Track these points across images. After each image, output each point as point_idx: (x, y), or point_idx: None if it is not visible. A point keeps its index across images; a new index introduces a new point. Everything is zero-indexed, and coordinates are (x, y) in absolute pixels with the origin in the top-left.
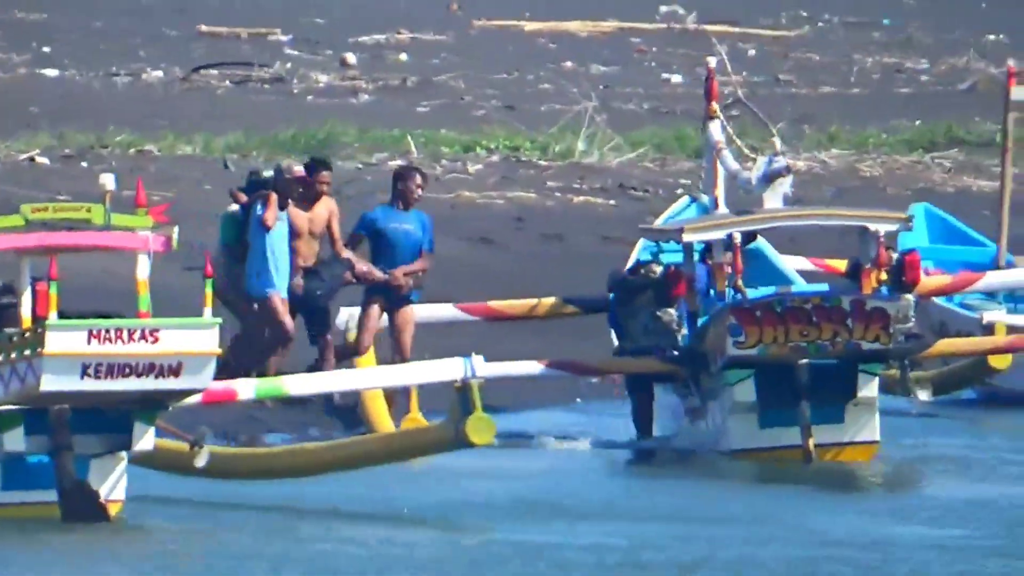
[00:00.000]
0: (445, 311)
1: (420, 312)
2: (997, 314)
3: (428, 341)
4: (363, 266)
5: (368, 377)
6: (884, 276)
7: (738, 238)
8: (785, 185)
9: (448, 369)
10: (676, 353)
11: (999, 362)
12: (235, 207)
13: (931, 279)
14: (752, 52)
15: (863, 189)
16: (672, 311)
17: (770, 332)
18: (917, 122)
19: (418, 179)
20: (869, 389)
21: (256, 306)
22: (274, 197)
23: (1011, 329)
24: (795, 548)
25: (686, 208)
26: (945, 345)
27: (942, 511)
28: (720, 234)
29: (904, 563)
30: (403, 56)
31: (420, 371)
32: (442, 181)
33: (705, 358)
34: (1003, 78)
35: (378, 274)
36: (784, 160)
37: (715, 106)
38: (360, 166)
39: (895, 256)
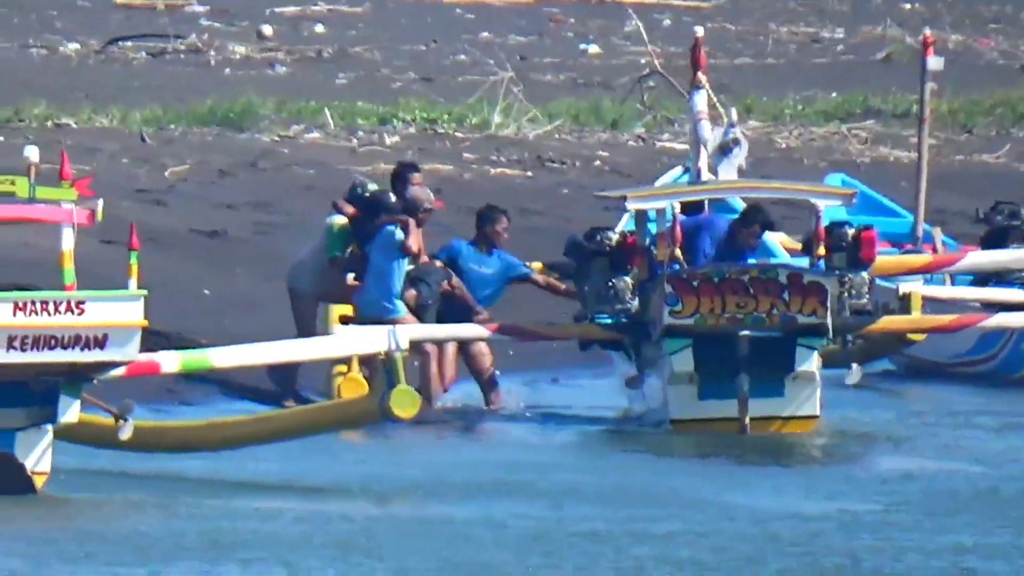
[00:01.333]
0: None
1: None
2: (914, 285)
3: None
4: (455, 280)
5: (293, 349)
6: (823, 252)
7: (677, 208)
8: (740, 157)
9: (372, 340)
10: (624, 321)
11: (916, 335)
12: (340, 218)
13: (905, 258)
14: (667, 23)
15: (779, 160)
16: (627, 279)
17: (707, 302)
18: (834, 93)
19: (504, 222)
20: (809, 363)
21: None
22: (413, 224)
23: (927, 300)
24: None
25: (679, 178)
26: (888, 322)
27: (860, 484)
28: (662, 203)
29: (815, 537)
30: (320, 28)
31: (344, 342)
32: (358, 153)
33: (646, 327)
34: (919, 47)
35: (469, 296)
36: (737, 131)
37: (700, 76)
38: (277, 138)
39: (851, 232)
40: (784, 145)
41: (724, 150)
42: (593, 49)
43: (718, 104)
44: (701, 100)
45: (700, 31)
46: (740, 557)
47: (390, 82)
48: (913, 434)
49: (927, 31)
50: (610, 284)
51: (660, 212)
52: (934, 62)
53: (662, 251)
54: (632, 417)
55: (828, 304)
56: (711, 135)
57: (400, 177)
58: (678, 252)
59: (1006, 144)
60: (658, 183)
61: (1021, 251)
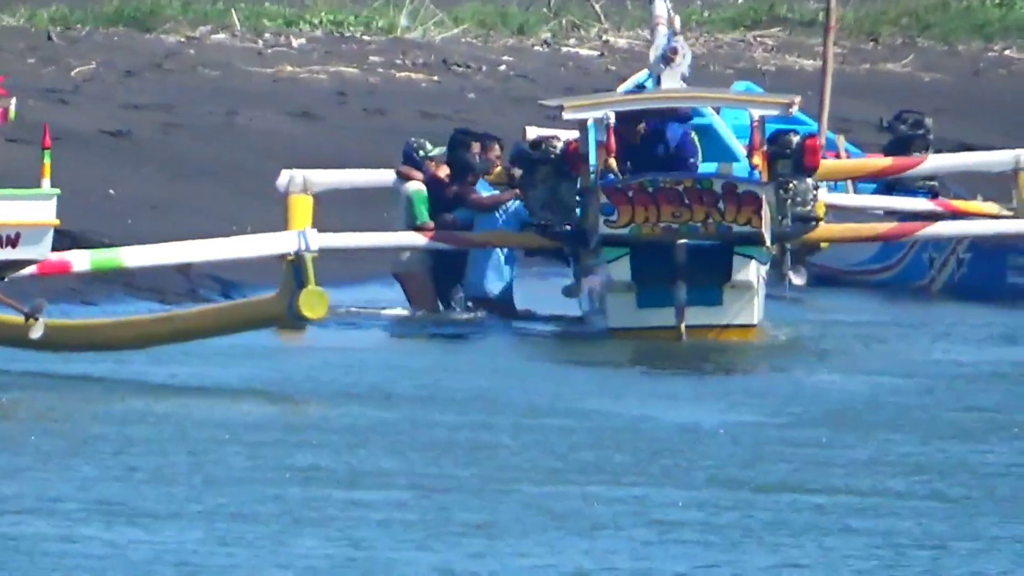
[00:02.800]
0: (384, 176)
1: (358, 177)
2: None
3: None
4: None
5: (202, 250)
6: (758, 161)
7: (612, 117)
8: (683, 65)
9: (281, 242)
10: (563, 229)
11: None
12: (414, 184)
13: (855, 161)
14: None
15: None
16: (573, 186)
17: (642, 212)
18: (740, 0)
19: (497, 149)
20: (746, 272)
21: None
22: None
23: (831, 208)
24: (565, 429)
25: (645, 80)
26: (826, 230)
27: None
28: (598, 113)
29: (690, 444)
30: None
31: (254, 244)
32: (265, 55)
33: (585, 235)
34: None
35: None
36: (679, 40)
37: None
38: (183, 39)
39: (795, 140)
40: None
41: (666, 59)
42: None
43: (671, 12)
44: (660, 6)
45: None
46: (588, 459)
47: None
48: (816, 345)
49: None
50: (554, 191)
51: (598, 121)
52: None
53: (599, 161)
54: (577, 322)
55: (763, 213)
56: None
57: (460, 144)
58: (612, 162)
59: (911, 53)
60: (623, 86)
61: (983, 155)
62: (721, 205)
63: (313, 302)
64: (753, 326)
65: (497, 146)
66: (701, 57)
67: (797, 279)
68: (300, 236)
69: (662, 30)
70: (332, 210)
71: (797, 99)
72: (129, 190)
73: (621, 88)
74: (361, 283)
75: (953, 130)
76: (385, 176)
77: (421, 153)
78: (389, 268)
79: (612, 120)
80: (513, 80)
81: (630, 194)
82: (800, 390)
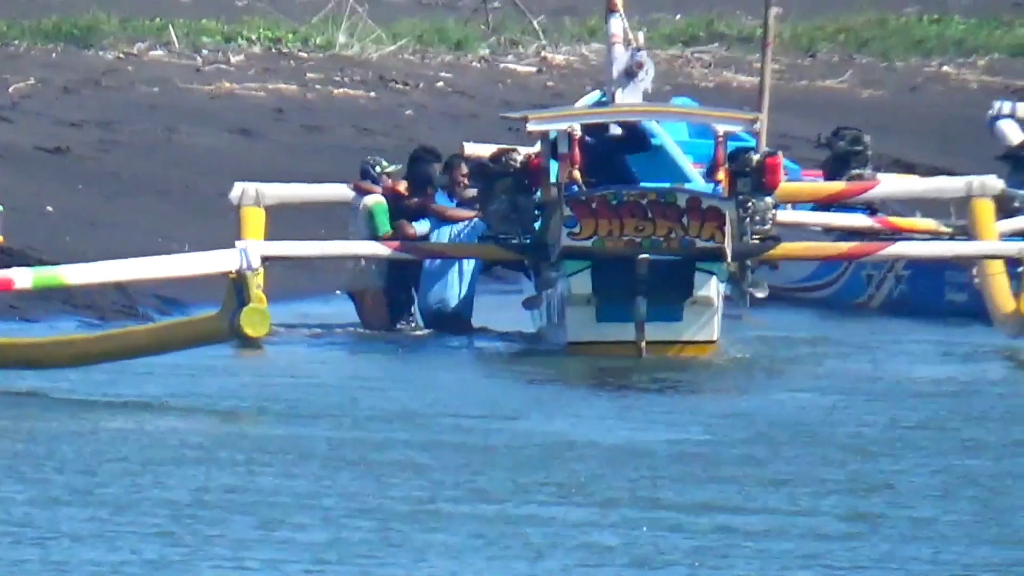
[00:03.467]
0: (338, 191)
1: (311, 192)
2: None
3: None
4: None
5: (143, 267)
6: (722, 177)
7: (577, 130)
8: (646, 80)
9: (224, 260)
10: (527, 241)
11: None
12: (373, 197)
13: (812, 185)
14: None
15: None
16: (532, 199)
17: (605, 225)
18: (678, 16)
19: (464, 168)
20: (707, 288)
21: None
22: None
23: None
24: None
25: (597, 101)
26: (786, 249)
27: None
28: (562, 125)
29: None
30: None
31: (197, 261)
32: (202, 72)
33: (546, 248)
34: None
35: None
36: (642, 55)
37: (616, 0)
38: (121, 56)
39: (755, 158)
40: None
41: (629, 74)
42: None
43: (628, 29)
44: (616, 24)
45: None
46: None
47: (235, 0)
48: (753, 362)
49: None
50: (514, 203)
51: (561, 134)
52: None
53: (562, 173)
54: (530, 338)
55: (727, 229)
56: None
57: (421, 158)
58: (577, 174)
59: (848, 70)
60: (578, 105)
61: (936, 180)
62: (685, 220)
63: (255, 320)
64: (713, 342)
65: (463, 166)
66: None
67: (759, 293)
68: (242, 253)
69: (619, 48)
70: (283, 227)
71: (761, 115)
72: (67, 207)
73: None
74: (316, 298)
75: (891, 146)
76: (338, 190)
77: (378, 169)
78: (342, 285)
79: (577, 132)
80: (451, 96)
81: (594, 206)
82: (739, 408)
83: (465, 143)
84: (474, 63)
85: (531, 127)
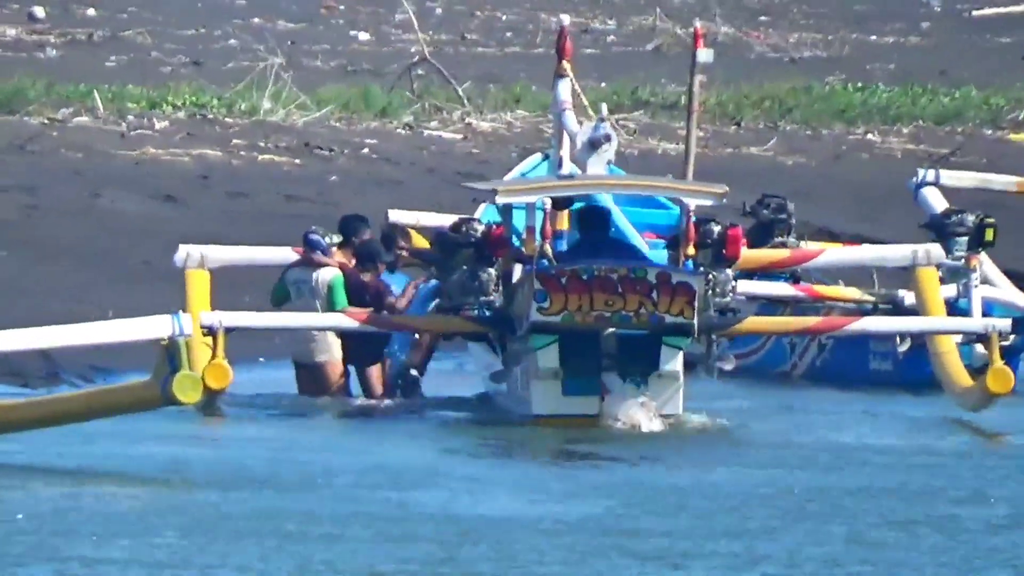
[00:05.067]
0: (282, 254)
1: (255, 255)
2: None
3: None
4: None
5: (75, 334)
6: (692, 251)
7: (548, 203)
8: (609, 152)
9: (156, 326)
10: (488, 314)
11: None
12: (329, 271)
13: (761, 252)
14: (439, 10)
15: (547, 150)
16: (492, 270)
17: (575, 300)
18: (603, 83)
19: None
20: (673, 363)
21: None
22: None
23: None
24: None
25: (538, 165)
26: (753, 323)
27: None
28: (532, 198)
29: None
30: (91, 10)
31: (128, 328)
32: (127, 138)
33: (512, 321)
34: (689, 40)
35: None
36: (607, 127)
37: (565, 65)
38: (46, 121)
39: (716, 230)
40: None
41: (594, 144)
42: (363, 36)
43: (580, 95)
44: (565, 89)
45: (566, 20)
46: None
47: (160, 65)
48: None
49: (697, 23)
50: (475, 274)
51: (530, 206)
52: (704, 54)
53: (530, 246)
54: (495, 409)
55: (696, 304)
56: (578, 128)
57: (353, 228)
58: (548, 248)
59: (773, 137)
60: (516, 170)
61: (880, 249)
62: (655, 295)
63: (186, 386)
64: (677, 415)
65: (401, 239)
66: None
67: (727, 365)
68: (174, 320)
69: (570, 115)
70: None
71: (726, 189)
72: None
73: (513, 173)
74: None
75: (815, 214)
76: (282, 253)
77: (328, 241)
78: (296, 355)
79: (548, 206)
80: (376, 163)
81: (564, 281)
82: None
83: (390, 210)
84: (399, 130)
85: (500, 199)
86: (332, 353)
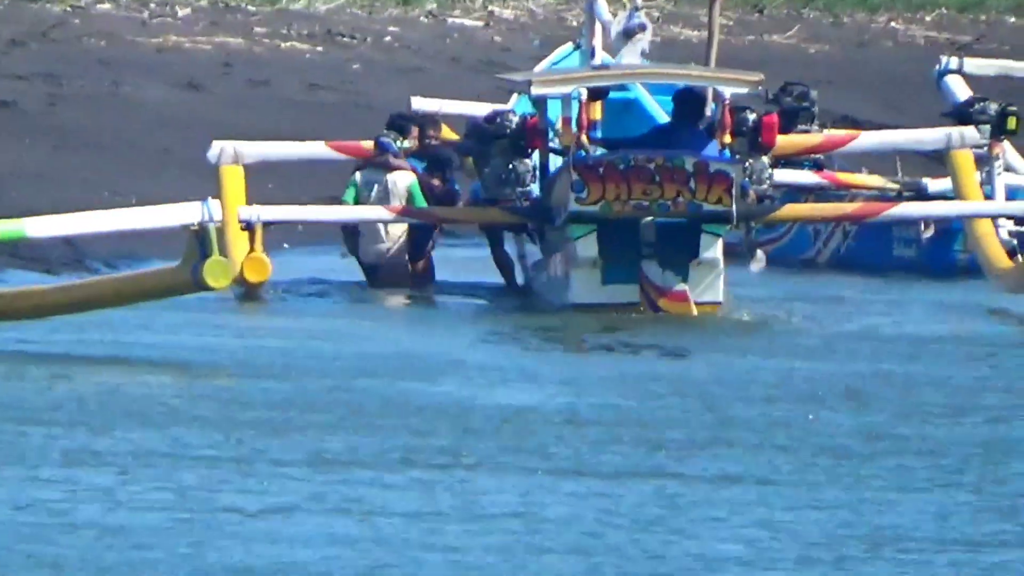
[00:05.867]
0: (316, 149)
1: (289, 150)
2: None
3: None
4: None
5: (105, 220)
6: (728, 139)
7: (584, 94)
8: (644, 42)
9: (186, 213)
10: (526, 204)
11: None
12: (407, 175)
13: (795, 138)
14: None
15: (568, 39)
16: (528, 161)
17: (612, 189)
18: None
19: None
20: (713, 250)
21: None
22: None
23: None
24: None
25: (569, 55)
26: (791, 209)
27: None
28: (567, 88)
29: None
30: None
31: (158, 215)
32: (149, 26)
33: (550, 212)
34: None
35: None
36: (642, 16)
37: None
38: (68, 8)
39: (751, 118)
40: (574, 23)
41: (628, 34)
42: None
43: None
44: None
45: None
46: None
47: None
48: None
49: None
50: (511, 166)
51: (565, 97)
52: None
53: (567, 137)
54: (534, 298)
55: (733, 192)
56: (610, 17)
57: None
58: (584, 138)
59: (796, 25)
60: (546, 61)
61: (916, 132)
62: (692, 184)
63: (217, 272)
64: (719, 303)
65: (433, 127)
66: (580, 27)
67: (756, 266)
68: (204, 206)
69: (603, 3)
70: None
71: (762, 77)
72: (13, 161)
73: (544, 64)
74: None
75: (838, 103)
76: (316, 148)
77: (398, 145)
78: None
79: (584, 96)
80: (398, 51)
81: (601, 171)
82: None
83: (413, 98)
84: (421, 18)
85: (535, 90)
86: (399, 249)
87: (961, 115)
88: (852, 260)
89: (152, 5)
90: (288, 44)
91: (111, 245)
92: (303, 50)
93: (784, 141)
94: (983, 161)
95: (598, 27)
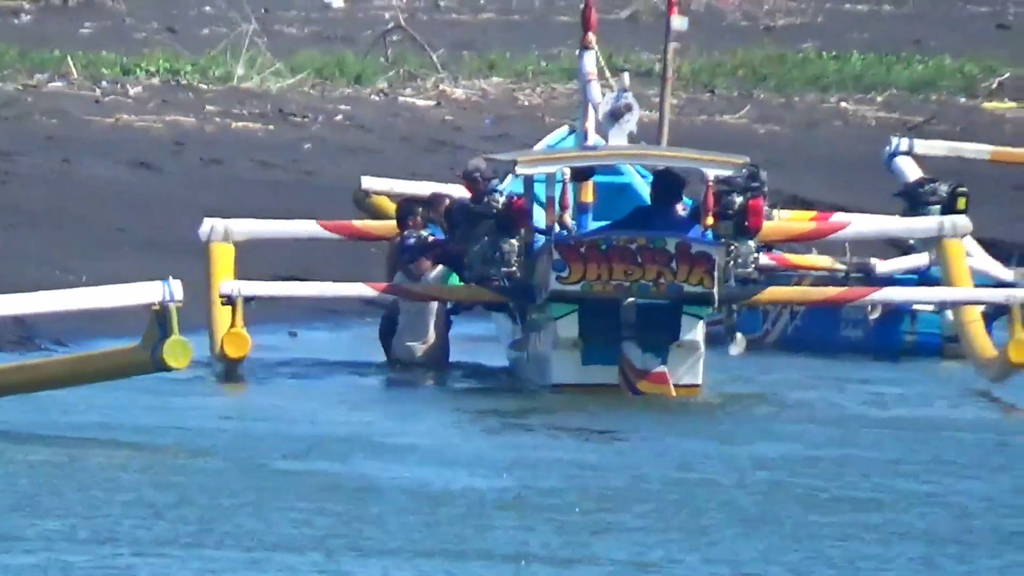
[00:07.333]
0: (307, 227)
1: (280, 228)
2: None
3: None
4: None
5: (62, 299)
6: (711, 221)
7: (567, 173)
8: (631, 123)
9: (146, 292)
10: (507, 284)
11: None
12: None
13: (788, 224)
14: None
15: (521, 118)
16: (514, 241)
17: (594, 269)
18: (576, 51)
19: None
20: (693, 332)
21: None
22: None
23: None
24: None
25: (564, 138)
26: (773, 293)
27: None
28: (552, 168)
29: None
30: None
31: (117, 294)
32: (102, 104)
33: (532, 290)
34: (664, 7)
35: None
36: (630, 97)
37: (590, 36)
38: (20, 87)
39: (738, 201)
40: (526, 103)
41: (615, 115)
42: (337, 3)
43: (604, 67)
44: (590, 61)
45: None
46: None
47: (135, 32)
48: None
49: None
50: (496, 245)
51: (550, 177)
52: (678, 21)
53: (550, 216)
54: (516, 378)
55: (715, 274)
56: (601, 99)
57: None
58: (567, 218)
59: (747, 105)
60: (542, 143)
61: (907, 221)
62: (674, 265)
63: (177, 352)
64: (697, 385)
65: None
66: (537, 107)
67: (735, 349)
68: (165, 285)
69: (595, 86)
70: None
71: (747, 159)
72: None
73: (541, 144)
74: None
75: (788, 182)
76: (307, 227)
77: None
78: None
79: (567, 176)
80: (349, 130)
81: (583, 251)
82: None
83: (363, 177)
84: (373, 96)
85: (520, 170)
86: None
87: (912, 196)
88: (800, 341)
89: (104, 83)
90: (240, 123)
91: (61, 323)
92: (255, 129)
93: (777, 227)
94: (933, 242)
95: (591, 109)
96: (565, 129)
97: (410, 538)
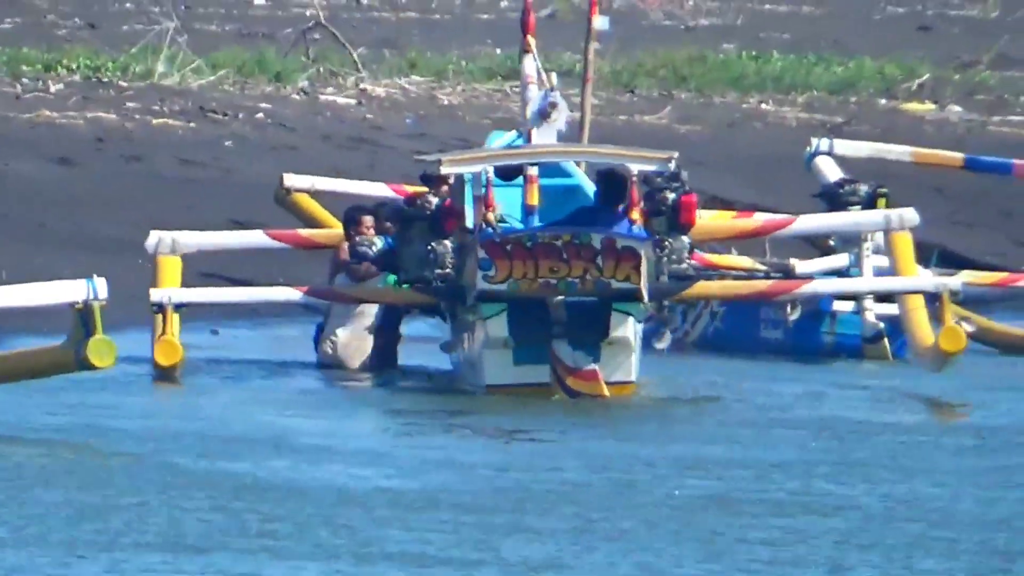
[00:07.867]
0: (255, 238)
1: (227, 239)
2: None
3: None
4: None
5: None
6: (636, 216)
7: (491, 172)
8: (559, 121)
9: (69, 291)
10: (439, 285)
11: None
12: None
13: (730, 222)
14: None
15: (442, 117)
16: (448, 243)
17: (520, 267)
18: (498, 50)
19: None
20: (624, 329)
21: None
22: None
23: None
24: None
25: (514, 140)
26: (702, 288)
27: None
28: (476, 168)
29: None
30: None
31: (41, 292)
32: (22, 100)
33: (462, 291)
34: (585, 6)
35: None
36: (556, 96)
37: (530, 40)
38: None
39: (671, 197)
40: (447, 102)
41: (542, 114)
42: (258, 0)
43: (541, 70)
44: (529, 64)
45: None
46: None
47: (56, 28)
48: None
49: None
50: (431, 247)
51: (476, 176)
52: (599, 21)
53: (477, 216)
54: (453, 380)
55: (642, 269)
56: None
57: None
58: (491, 216)
59: (667, 105)
60: (488, 145)
61: (853, 215)
62: (600, 261)
63: (102, 351)
64: (630, 383)
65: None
66: (458, 107)
67: (660, 344)
68: (89, 284)
69: (534, 89)
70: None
71: (675, 154)
72: None
73: (488, 146)
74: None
75: (709, 183)
76: (255, 237)
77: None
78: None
79: (491, 175)
80: (270, 128)
81: (508, 248)
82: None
83: (284, 174)
84: (294, 95)
85: (445, 169)
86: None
87: (832, 196)
88: (719, 341)
89: (25, 80)
90: (160, 120)
91: None
92: (176, 126)
93: (721, 224)
94: (852, 243)
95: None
96: (514, 134)
97: (319, 539)
